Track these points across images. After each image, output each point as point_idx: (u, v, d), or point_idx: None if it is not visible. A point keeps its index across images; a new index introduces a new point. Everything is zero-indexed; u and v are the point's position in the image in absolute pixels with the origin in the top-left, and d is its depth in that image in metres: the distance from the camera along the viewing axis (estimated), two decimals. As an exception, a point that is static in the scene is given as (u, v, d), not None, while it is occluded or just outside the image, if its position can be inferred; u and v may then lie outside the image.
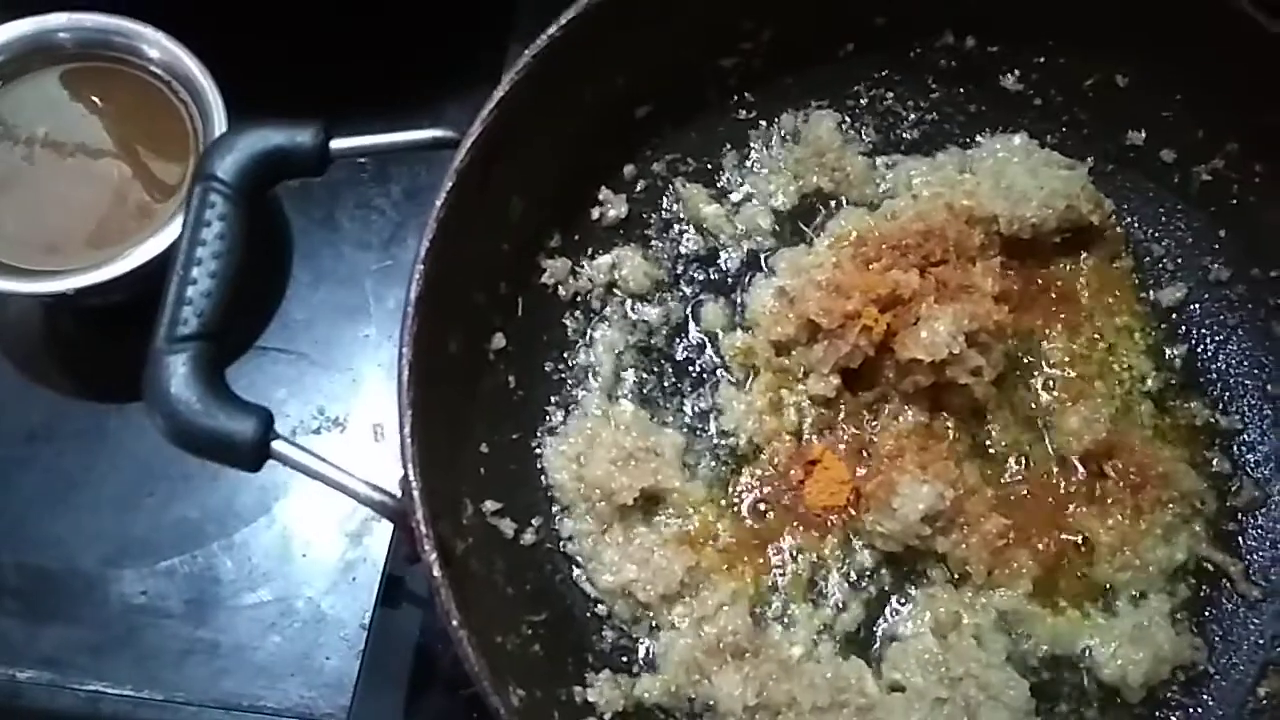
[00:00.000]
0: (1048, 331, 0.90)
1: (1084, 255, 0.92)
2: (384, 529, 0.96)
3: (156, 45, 0.97)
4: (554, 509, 0.83)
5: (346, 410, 1.01)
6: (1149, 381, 0.89)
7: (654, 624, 0.81)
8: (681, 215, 0.92)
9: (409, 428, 0.64)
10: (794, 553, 0.84)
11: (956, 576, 0.83)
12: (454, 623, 0.61)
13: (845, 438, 0.87)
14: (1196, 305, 0.92)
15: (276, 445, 0.65)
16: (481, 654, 0.63)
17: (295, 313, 1.04)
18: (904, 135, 0.95)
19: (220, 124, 0.93)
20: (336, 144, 0.70)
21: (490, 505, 0.79)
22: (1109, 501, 0.85)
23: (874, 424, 0.87)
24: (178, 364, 0.63)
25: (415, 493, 0.63)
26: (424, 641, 0.90)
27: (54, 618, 0.95)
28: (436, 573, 0.62)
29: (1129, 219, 0.93)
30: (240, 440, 0.64)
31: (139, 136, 0.98)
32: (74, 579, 0.96)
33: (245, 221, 0.67)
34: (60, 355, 1.04)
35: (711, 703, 0.78)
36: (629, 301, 0.90)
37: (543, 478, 0.83)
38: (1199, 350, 0.91)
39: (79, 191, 0.96)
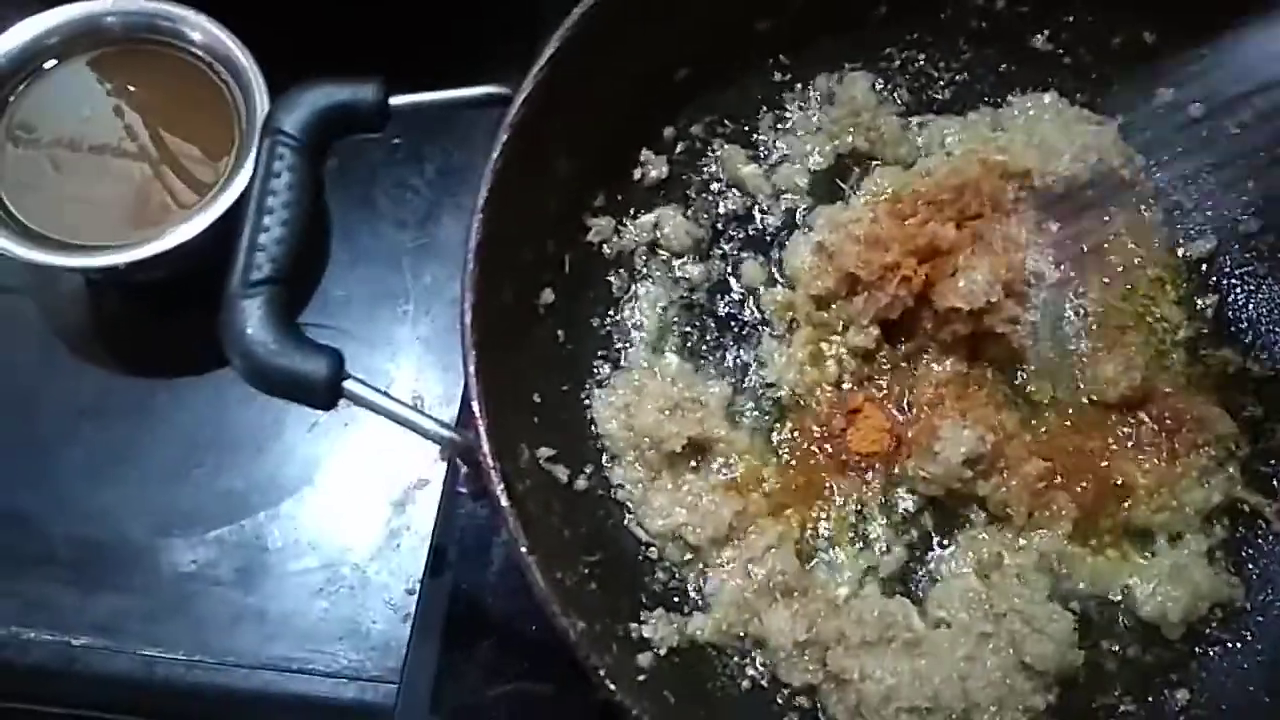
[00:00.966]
0: (1081, 282, 0.92)
1: (1116, 208, 0.94)
2: (426, 497, 0.98)
3: (199, 28, 1.00)
4: (604, 457, 0.85)
5: (388, 383, 1.03)
6: (1181, 331, 0.91)
7: (704, 566, 0.82)
8: (720, 175, 0.94)
9: (474, 366, 0.66)
10: (838, 498, 0.85)
11: (998, 519, 0.85)
12: (523, 549, 0.63)
13: (885, 387, 0.89)
14: (1226, 256, 0.93)
15: (349, 384, 0.67)
16: (549, 582, 0.64)
17: (335, 290, 1.06)
18: (936, 95, 0.97)
19: (262, 102, 0.96)
20: (396, 100, 0.72)
21: (545, 451, 0.81)
22: (1145, 446, 0.87)
23: (913, 373, 0.89)
24: (253, 307, 0.66)
25: (482, 428, 0.65)
26: (455, 607, 0.92)
27: (106, 586, 0.97)
28: (505, 502, 0.64)
29: (1158, 172, 0.95)
30: (314, 379, 0.66)
31: (183, 117, 1.00)
32: (124, 549, 0.98)
33: (312, 174, 0.69)
34: (107, 333, 1.06)
35: (762, 639, 0.80)
36: (671, 259, 0.92)
37: (593, 427, 0.85)
38: (1229, 300, 0.93)
39: (126, 171, 0.99)
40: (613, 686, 0.63)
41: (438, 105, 0.73)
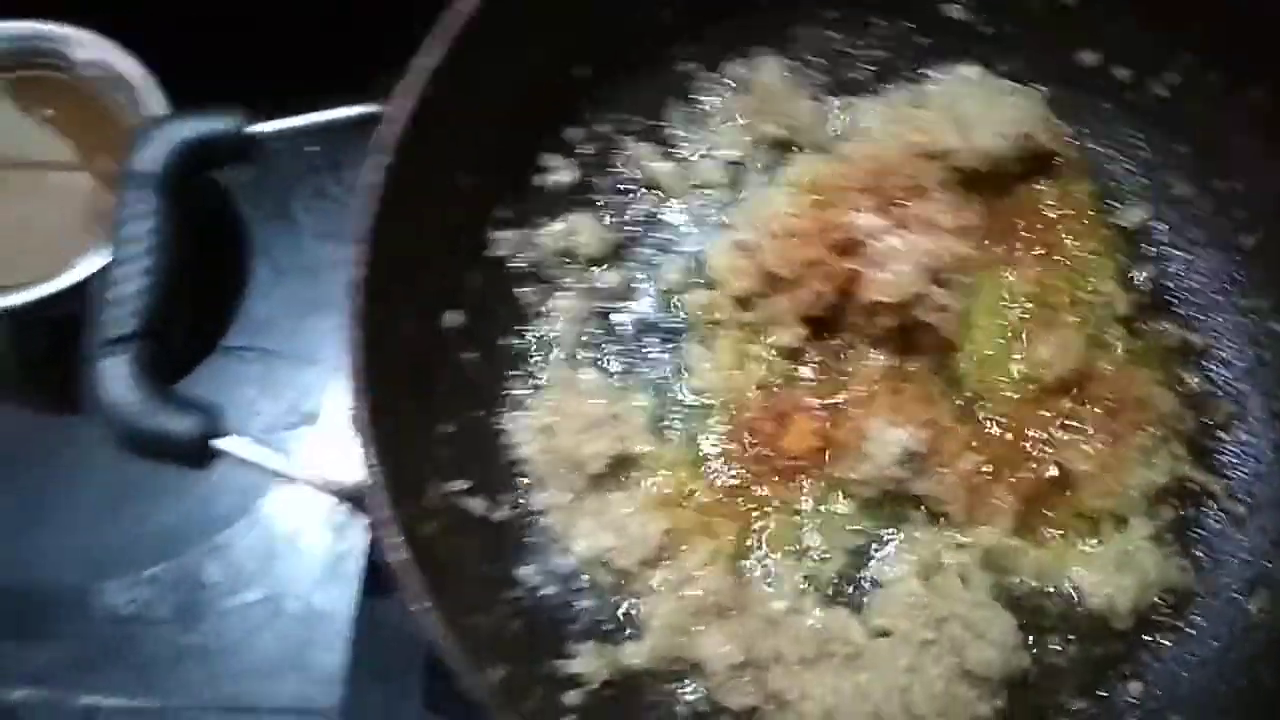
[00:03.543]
0: (1013, 263, 0.88)
1: (1045, 182, 0.90)
2: (366, 519, 0.96)
3: (82, 45, 0.96)
4: (524, 484, 0.82)
5: (320, 404, 1.00)
6: (1118, 305, 0.88)
7: (635, 590, 0.80)
8: (632, 175, 0.91)
9: (365, 413, 0.63)
10: (771, 507, 0.83)
11: (937, 517, 0.82)
12: (423, 606, 0.60)
13: (815, 387, 0.85)
14: (1162, 224, 0.90)
15: (219, 443, 0.64)
16: (455, 635, 0.62)
17: (258, 310, 1.03)
18: (852, 75, 0.93)
19: (160, 120, 0.92)
20: (261, 128, 0.68)
21: (459, 485, 0.77)
22: (1086, 429, 0.84)
23: (844, 371, 0.85)
24: (114, 366, 0.62)
25: (376, 478, 0.62)
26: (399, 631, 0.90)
27: (42, 636, 0.94)
28: (402, 556, 0.61)
29: (1087, 142, 0.91)
30: (184, 439, 0.63)
31: (85, 142, 0.97)
32: (59, 596, 0.96)
33: (176, 213, 0.65)
34: (28, 371, 1.03)
35: (698, 663, 0.77)
36: (585, 268, 0.88)
37: (511, 453, 0.82)
38: (1167, 269, 0.90)
39: (33, 203, 0.95)
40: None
41: (306, 130, 0.69)
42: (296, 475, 0.64)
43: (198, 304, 1.05)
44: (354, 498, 0.64)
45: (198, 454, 0.63)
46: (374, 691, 0.91)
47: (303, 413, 1.00)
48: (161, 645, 0.94)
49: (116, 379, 0.62)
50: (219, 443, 0.63)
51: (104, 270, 0.65)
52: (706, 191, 0.91)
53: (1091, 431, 0.84)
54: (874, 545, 0.82)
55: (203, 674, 0.93)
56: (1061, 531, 0.82)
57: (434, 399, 0.78)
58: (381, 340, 0.68)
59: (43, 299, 0.89)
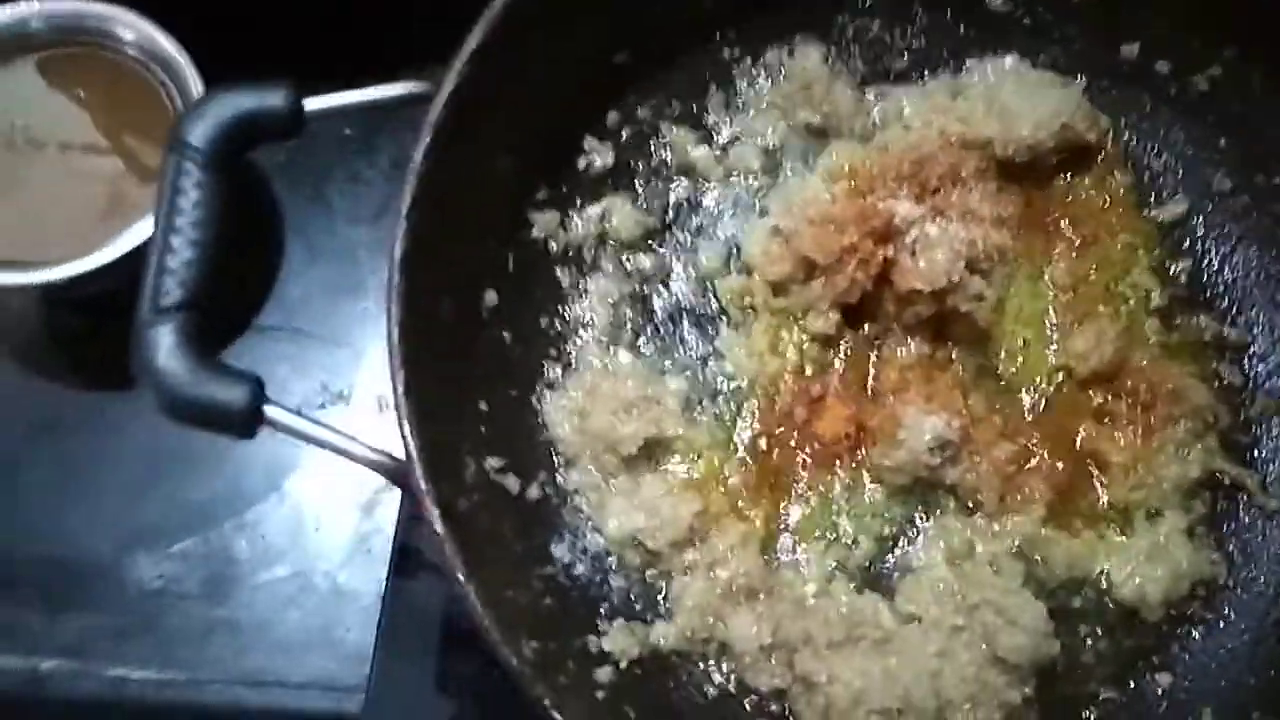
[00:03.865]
0: (1050, 254, 0.88)
1: (1083, 174, 0.90)
2: (395, 499, 0.96)
3: (130, 26, 0.96)
4: (558, 464, 0.82)
5: (350, 384, 1.01)
6: (1154, 298, 0.87)
7: (665, 571, 0.80)
8: (670, 160, 0.91)
9: (403, 387, 0.63)
10: (802, 492, 0.83)
11: (968, 506, 0.82)
12: (460, 577, 0.61)
13: (849, 374, 0.86)
14: (1200, 218, 0.90)
15: (269, 411, 0.64)
16: (490, 608, 0.62)
17: (291, 290, 1.04)
18: (892, 64, 0.93)
19: (198, 100, 0.92)
20: (310, 104, 0.68)
21: (493, 462, 0.78)
22: (1120, 421, 0.84)
23: (878, 358, 0.86)
24: (163, 335, 0.63)
25: (413, 451, 0.62)
26: (451, 608, 0.90)
27: (72, 607, 0.95)
28: (439, 529, 0.61)
29: (1127, 135, 0.91)
30: (232, 408, 0.63)
31: (120, 121, 0.97)
32: (89, 568, 0.97)
33: (223, 189, 0.66)
34: (61, 348, 1.04)
35: (727, 644, 0.78)
36: (621, 251, 0.88)
37: (544, 433, 0.82)
38: (1204, 264, 0.89)
39: (65, 181, 0.96)
40: (558, 717, 0.60)
41: (355, 108, 0.69)
42: (341, 446, 0.65)
43: (234, 282, 1.06)
44: (393, 471, 0.64)
45: (245, 423, 0.64)
46: (398, 671, 0.91)
47: (332, 393, 1.01)
48: (190, 619, 0.95)
49: (165, 347, 0.62)
50: (268, 412, 0.64)
51: (153, 241, 0.65)
52: (744, 177, 0.91)
53: (1125, 423, 0.84)
54: (905, 532, 0.82)
55: (230, 648, 0.94)
56: (1094, 523, 0.82)
57: (470, 377, 0.78)
58: (420, 317, 0.69)
59: (75, 277, 0.90)
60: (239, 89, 0.67)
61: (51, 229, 0.94)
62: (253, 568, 0.97)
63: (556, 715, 0.60)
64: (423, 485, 0.62)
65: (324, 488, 0.98)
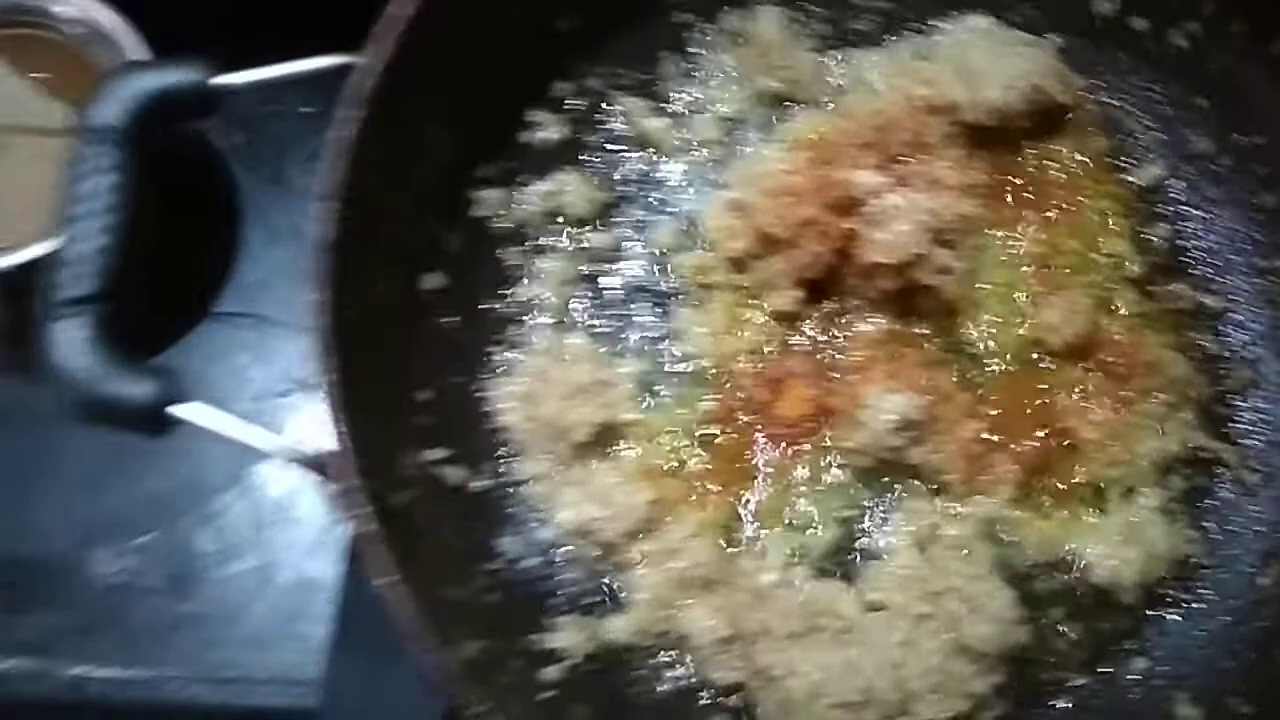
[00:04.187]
0: (1020, 222, 0.85)
1: (1056, 138, 0.86)
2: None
3: (68, 3, 0.93)
4: (506, 453, 0.79)
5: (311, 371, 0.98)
6: (1130, 267, 0.84)
7: (619, 562, 0.77)
8: (623, 132, 0.87)
9: (334, 375, 0.60)
10: (763, 477, 0.80)
11: (935, 487, 0.79)
12: (384, 578, 0.58)
13: (811, 353, 0.82)
14: (1179, 181, 0.86)
15: (180, 408, 0.61)
16: (423, 609, 0.60)
17: (250, 275, 1.02)
18: (856, 26, 0.89)
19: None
20: (224, 79, 0.65)
21: (435, 453, 0.75)
22: (1093, 395, 0.81)
23: (841, 336, 0.82)
24: (66, 330, 0.60)
25: (347, 444, 0.59)
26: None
27: (33, 604, 0.94)
28: (368, 527, 0.58)
29: (1102, 96, 0.87)
30: (139, 405, 0.60)
31: (69, 102, 0.94)
32: (50, 563, 0.95)
33: (136, 171, 0.62)
34: (15, 338, 1.01)
35: (684, 637, 0.75)
36: (573, 229, 0.85)
37: (492, 421, 0.79)
38: (1183, 229, 0.86)
39: (14, 166, 0.93)
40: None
41: (274, 82, 0.66)
42: (259, 443, 0.62)
43: (189, 269, 1.03)
44: (319, 466, 0.62)
45: (153, 421, 0.61)
46: (358, 662, 0.89)
47: (296, 380, 0.99)
48: (153, 614, 0.93)
49: (70, 343, 0.59)
50: (177, 410, 0.61)
51: (58, 229, 0.62)
52: (701, 149, 0.87)
53: (1099, 398, 0.81)
54: (870, 516, 0.79)
55: (193, 643, 0.93)
56: (1066, 502, 0.79)
57: (411, 364, 0.75)
58: (352, 302, 0.66)
59: (29, 263, 0.87)
60: (149, 67, 0.64)
61: (2, 216, 0.91)
62: (216, 561, 0.95)
63: (487, 721, 0.57)
64: (352, 482, 0.59)
65: (287, 478, 0.96)
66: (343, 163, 0.64)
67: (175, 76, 0.64)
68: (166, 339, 1.01)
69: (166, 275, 1.02)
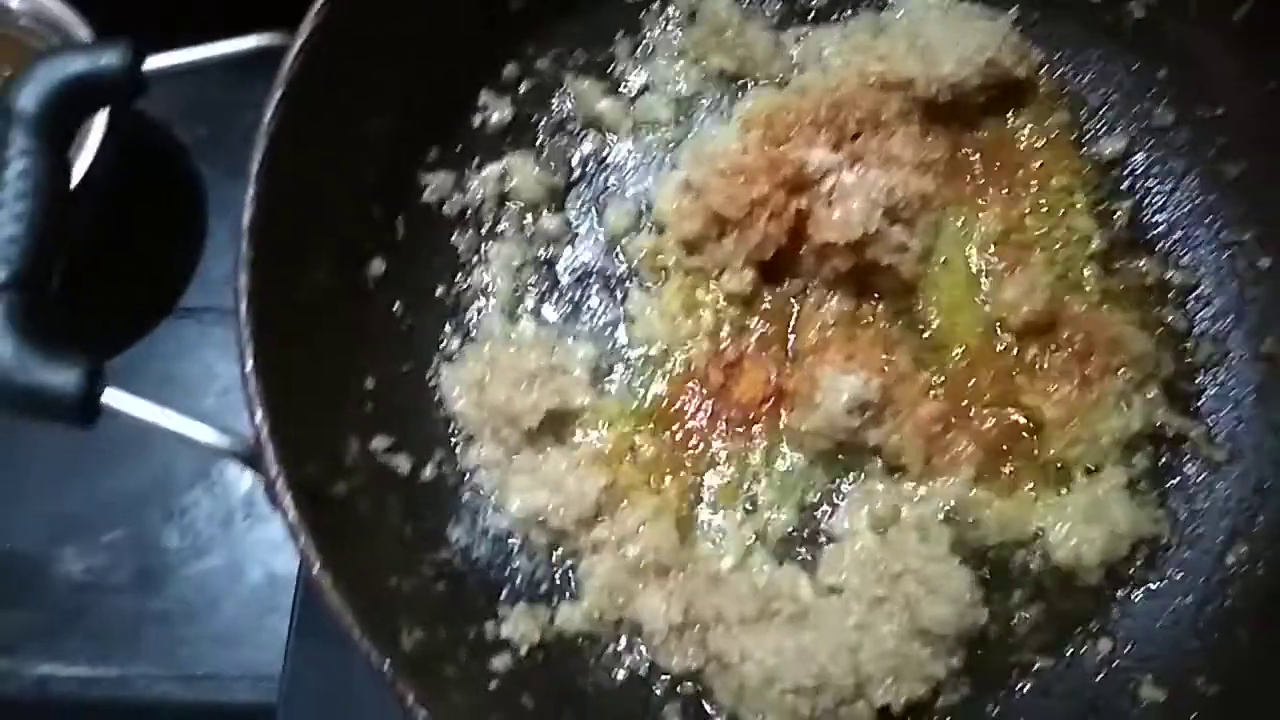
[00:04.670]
0: (980, 199, 0.83)
1: (1015, 113, 0.85)
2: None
3: (17, -7, 0.93)
4: (455, 441, 0.78)
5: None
6: (1093, 242, 0.83)
7: (572, 550, 0.76)
8: (574, 113, 0.86)
9: (251, 363, 0.59)
10: (719, 460, 0.78)
11: (893, 469, 0.77)
12: (315, 570, 0.57)
13: (767, 335, 0.81)
14: (1141, 154, 0.85)
15: (108, 397, 0.60)
16: (358, 599, 0.58)
17: (216, 269, 1.01)
18: (811, 3, 0.88)
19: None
20: (151, 62, 0.64)
21: (381, 442, 0.74)
22: (1054, 373, 0.79)
23: (797, 317, 0.81)
24: (-20, 319, 0.58)
25: (264, 433, 0.58)
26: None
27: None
28: (291, 516, 0.57)
29: (1061, 69, 0.86)
30: (64, 394, 0.59)
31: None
32: (15, 563, 0.94)
33: (54, 157, 0.61)
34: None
35: (637, 624, 0.74)
36: (524, 212, 0.84)
37: (441, 409, 0.78)
38: (1145, 203, 0.84)
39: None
40: (425, 712, 0.56)
41: (202, 65, 0.65)
42: (185, 431, 0.61)
43: (155, 263, 1.02)
44: (246, 457, 0.60)
45: (80, 409, 0.59)
46: (318, 654, 0.88)
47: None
48: (120, 612, 0.93)
49: (-15, 332, 0.58)
50: (103, 399, 0.59)
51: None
52: (654, 130, 0.86)
53: (1061, 376, 0.79)
54: (827, 499, 0.78)
55: (162, 641, 0.92)
56: (1028, 482, 0.78)
57: (355, 352, 0.74)
58: (284, 289, 0.64)
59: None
60: (70, 51, 0.63)
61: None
62: (183, 558, 0.95)
63: (423, 712, 0.56)
64: (273, 469, 0.58)
65: (254, 474, 0.95)
66: (268, 146, 0.63)
67: (97, 60, 0.62)
68: (131, 334, 1.00)
69: (130, 270, 1.01)
